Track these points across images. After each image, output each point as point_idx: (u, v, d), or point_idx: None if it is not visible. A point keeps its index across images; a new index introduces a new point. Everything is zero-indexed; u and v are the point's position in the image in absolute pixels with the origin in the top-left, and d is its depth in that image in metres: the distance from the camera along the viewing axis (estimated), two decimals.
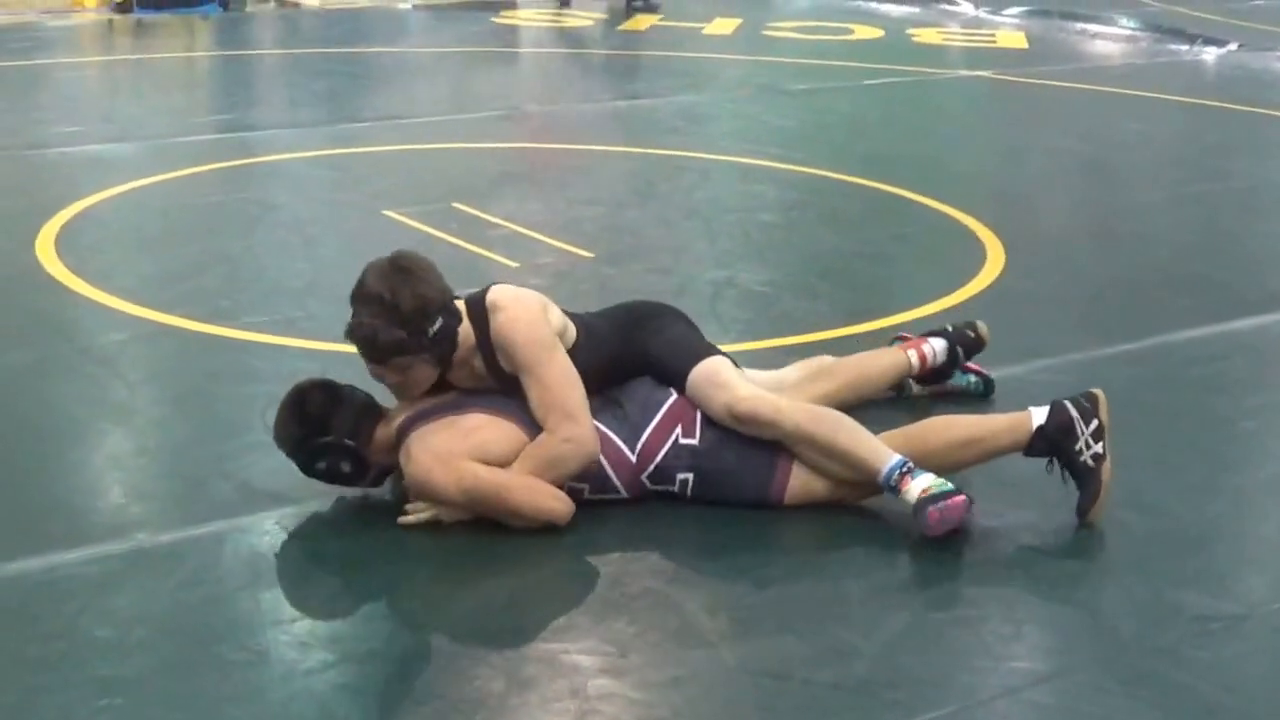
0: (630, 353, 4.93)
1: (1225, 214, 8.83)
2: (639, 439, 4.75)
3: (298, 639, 4.05)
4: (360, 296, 4.59)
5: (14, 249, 7.38)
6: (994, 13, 17.73)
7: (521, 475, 4.56)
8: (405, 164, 9.66)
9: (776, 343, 6.23)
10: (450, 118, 11.27)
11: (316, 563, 4.48)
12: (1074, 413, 4.81)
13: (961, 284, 7.07)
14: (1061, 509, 4.79)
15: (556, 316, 4.82)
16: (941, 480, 4.60)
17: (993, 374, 5.78)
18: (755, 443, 4.76)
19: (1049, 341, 6.36)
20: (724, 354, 4.97)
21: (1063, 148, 10.81)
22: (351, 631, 4.10)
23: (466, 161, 9.69)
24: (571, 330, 4.84)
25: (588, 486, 4.70)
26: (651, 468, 4.75)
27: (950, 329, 5.71)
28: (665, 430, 4.77)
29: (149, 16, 16.24)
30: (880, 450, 4.69)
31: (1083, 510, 4.69)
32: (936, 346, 5.62)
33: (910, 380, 5.64)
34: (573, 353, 4.76)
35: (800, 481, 4.76)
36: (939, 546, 4.52)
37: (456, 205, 8.25)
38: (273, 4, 18.17)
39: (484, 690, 3.79)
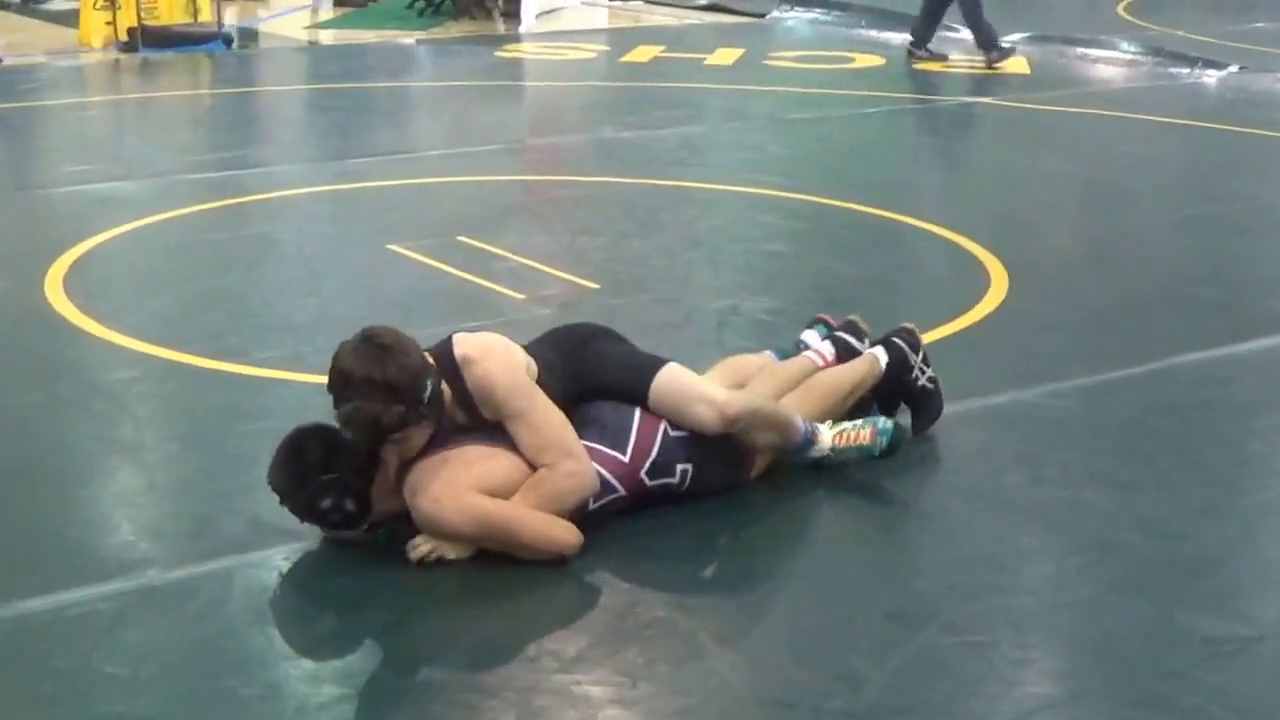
0: (582, 378, 4.95)
1: (1228, 236, 8.84)
2: (628, 441, 4.83)
3: (309, 673, 4.07)
4: (345, 383, 4.53)
5: (23, 288, 7.40)
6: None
7: (527, 508, 4.57)
8: (410, 198, 9.68)
9: None
10: (455, 151, 11.29)
11: (326, 597, 4.48)
12: (905, 346, 5.59)
13: (966, 309, 7.09)
14: (1070, 534, 4.81)
15: (522, 355, 4.83)
16: (829, 425, 5.23)
17: (999, 399, 5.82)
18: (727, 469, 5.02)
19: (1053, 366, 6.37)
20: (669, 360, 5.07)
21: (1065, 172, 10.82)
22: (362, 665, 4.10)
23: (471, 195, 9.71)
24: (533, 365, 4.85)
25: (590, 497, 4.73)
26: (649, 463, 4.82)
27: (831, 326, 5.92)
28: (651, 427, 4.86)
29: (155, 55, 16.26)
30: (795, 415, 5.15)
31: (921, 428, 5.51)
32: (826, 348, 5.74)
33: None
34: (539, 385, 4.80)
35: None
36: (949, 572, 4.53)
37: (461, 239, 8.27)
38: (278, 41, 18.23)
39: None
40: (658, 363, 5.02)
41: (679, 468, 4.86)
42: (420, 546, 4.59)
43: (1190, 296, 7.47)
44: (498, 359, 4.72)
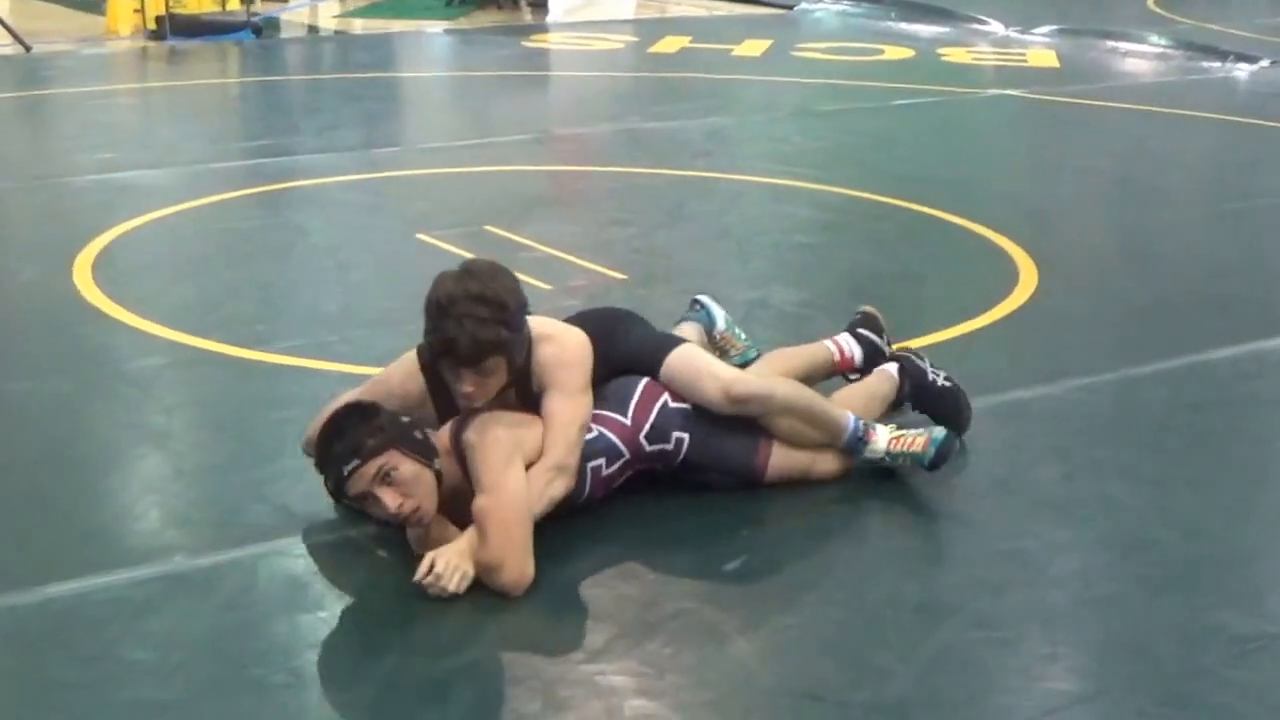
0: (607, 359, 4.94)
1: (1259, 232, 8.81)
2: (629, 405, 4.87)
3: (334, 662, 4.07)
4: (450, 302, 4.47)
5: (52, 275, 7.42)
6: (1024, 32, 17.70)
7: (524, 521, 4.44)
8: (437, 188, 9.69)
9: None
10: (481, 141, 11.29)
11: (353, 586, 4.47)
12: (912, 355, 5.61)
13: (995, 304, 7.07)
14: (1099, 529, 4.80)
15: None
16: (892, 429, 5.10)
17: (1029, 394, 5.81)
18: (739, 418, 4.96)
19: (1083, 361, 6.34)
20: (688, 341, 5.16)
21: (1095, 166, 10.79)
22: (387, 655, 4.09)
23: (498, 185, 9.71)
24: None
25: (604, 460, 4.77)
26: (648, 426, 4.86)
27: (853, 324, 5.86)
28: (650, 398, 4.91)
29: (183, 44, 16.30)
30: (842, 412, 5.09)
31: (964, 427, 5.44)
32: (847, 342, 5.72)
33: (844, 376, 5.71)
34: None
35: (780, 456, 5.01)
36: (976, 566, 4.53)
37: (489, 228, 8.27)
38: (306, 30, 18.25)
39: (521, 712, 3.80)
40: (676, 341, 5.10)
41: (675, 435, 4.89)
42: (437, 566, 4.35)
43: (1221, 292, 7.44)
44: (577, 340, 4.79)
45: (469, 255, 7.62)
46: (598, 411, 4.80)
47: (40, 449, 5.43)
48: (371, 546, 4.65)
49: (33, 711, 3.78)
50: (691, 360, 5.00)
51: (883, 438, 5.07)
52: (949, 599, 4.35)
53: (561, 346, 4.73)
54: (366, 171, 10.09)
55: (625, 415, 4.85)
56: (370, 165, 10.32)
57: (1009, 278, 7.50)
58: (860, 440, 5.06)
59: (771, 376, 5.15)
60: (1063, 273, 7.64)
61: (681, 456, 4.92)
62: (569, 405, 4.67)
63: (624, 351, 5.01)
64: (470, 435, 4.51)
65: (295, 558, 4.61)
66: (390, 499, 4.36)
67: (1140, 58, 16.16)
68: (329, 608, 4.34)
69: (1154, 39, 16.72)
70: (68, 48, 16.19)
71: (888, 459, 5.06)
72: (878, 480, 5.10)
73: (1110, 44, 16.64)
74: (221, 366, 6.26)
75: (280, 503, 4.91)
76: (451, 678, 3.97)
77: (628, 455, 4.84)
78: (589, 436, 4.73)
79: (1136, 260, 8.12)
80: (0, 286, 7.50)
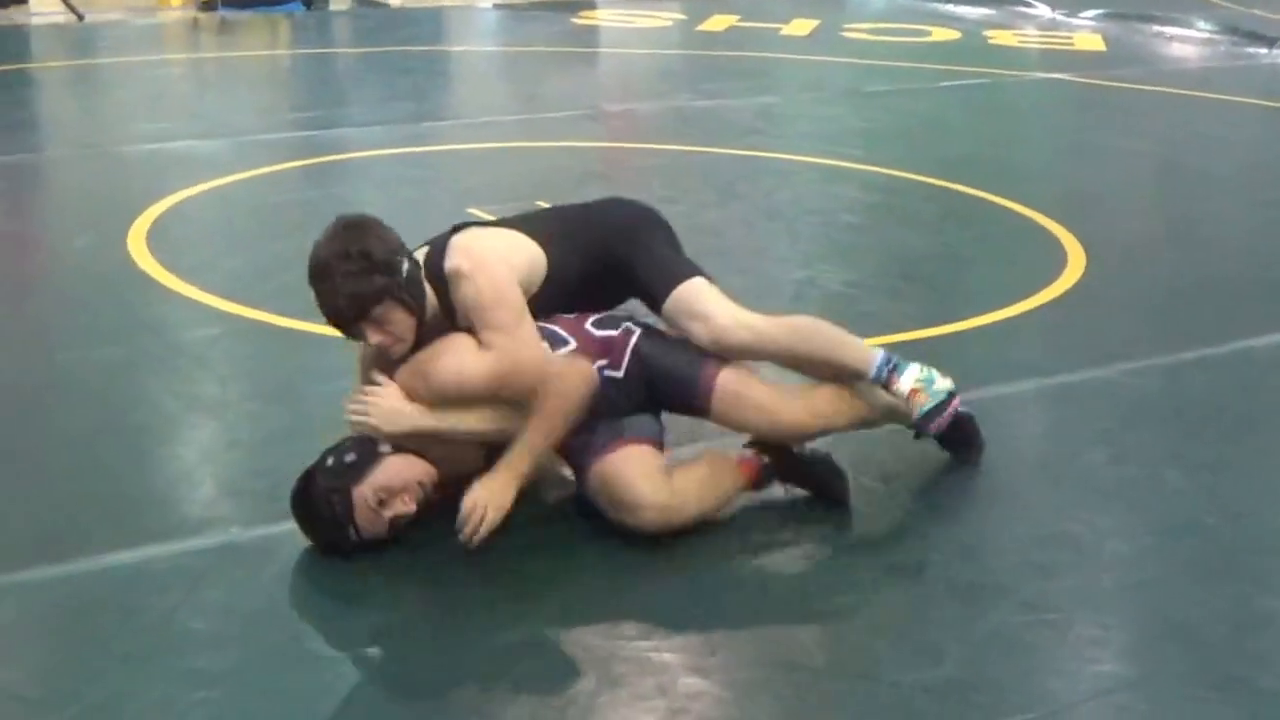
0: (607, 268, 4.84)
1: None
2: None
3: (386, 636, 4.09)
4: (324, 263, 4.47)
5: (107, 245, 7.48)
6: (1071, 15, 17.64)
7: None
8: (488, 162, 9.72)
9: None
10: (531, 116, 11.33)
11: (406, 559, 4.49)
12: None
13: (1042, 286, 7.07)
14: (1147, 513, 4.81)
15: (520, 261, 4.70)
16: (928, 373, 4.84)
17: (1076, 377, 5.82)
18: (685, 350, 4.75)
19: (1131, 345, 6.35)
20: (702, 273, 4.90)
21: (1141, 150, 10.77)
22: (440, 630, 4.12)
23: (549, 160, 9.74)
24: (541, 266, 4.75)
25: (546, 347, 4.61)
26: (594, 317, 4.74)
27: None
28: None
29: (233, 15, 16.37)
30: (863, 352, 4.84)
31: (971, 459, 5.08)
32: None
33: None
34: (539, 295, 4.71)
35: (734, 381, 4.72)
36: (1025, 549, 4.55)
37: (540, 203, 8.28)
38: (356, 2, 18.29)
39: (574, 687, 3.83)
40: (687, 272, 4.88)
41: (624, 323, 4.73)
42: (470, 511, 4.41)
43: (1268, 278, 7.43)
44: (487, 275, 4.57)
45: None
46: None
47: (97, 418, 5.49)
48: (422, 521, 4.65)
49: (91, 680, 3.81)
50: (694, 298, 4.77)
51: (906, 384, 4.83)
52: (999, 581, 4.37)
53: (477, 287, 4.53)
54: (417, 144, 10.13)
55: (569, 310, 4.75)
56: (420, 138, 10.36)
57: (1056, 261, 7.50)
58: (883, 373, 4.82)
59: (773, 320, 4.84)
60: (1110, 257, 7.64)
61: (633, 345, 4.69)
62: (507, 345, 4.49)
63: (637, 265, 4.84)
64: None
65: None
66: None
67: (1186, 42, 16.10)
68: (381, 580, 4.37)
69: (1200, 24, 16.66)
70: (120, 18, 16.27)
71: (905, 404, 4.85)
72: (925, 462, 5.09)
73: (1156, 28, 16.59)
74: (274, 337, 6.32)
75: None
76: (504, 651, 4.00)
77: (572, 344, 4.64)
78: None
79: (1182, 245, 8.12)
80: (57, 255, 7.58)
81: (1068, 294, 7.03)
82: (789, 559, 4.56)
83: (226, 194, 8.68)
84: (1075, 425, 5.56)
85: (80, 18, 15.72)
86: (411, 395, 4.50)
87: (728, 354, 4.75)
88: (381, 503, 4.40)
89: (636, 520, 4.50)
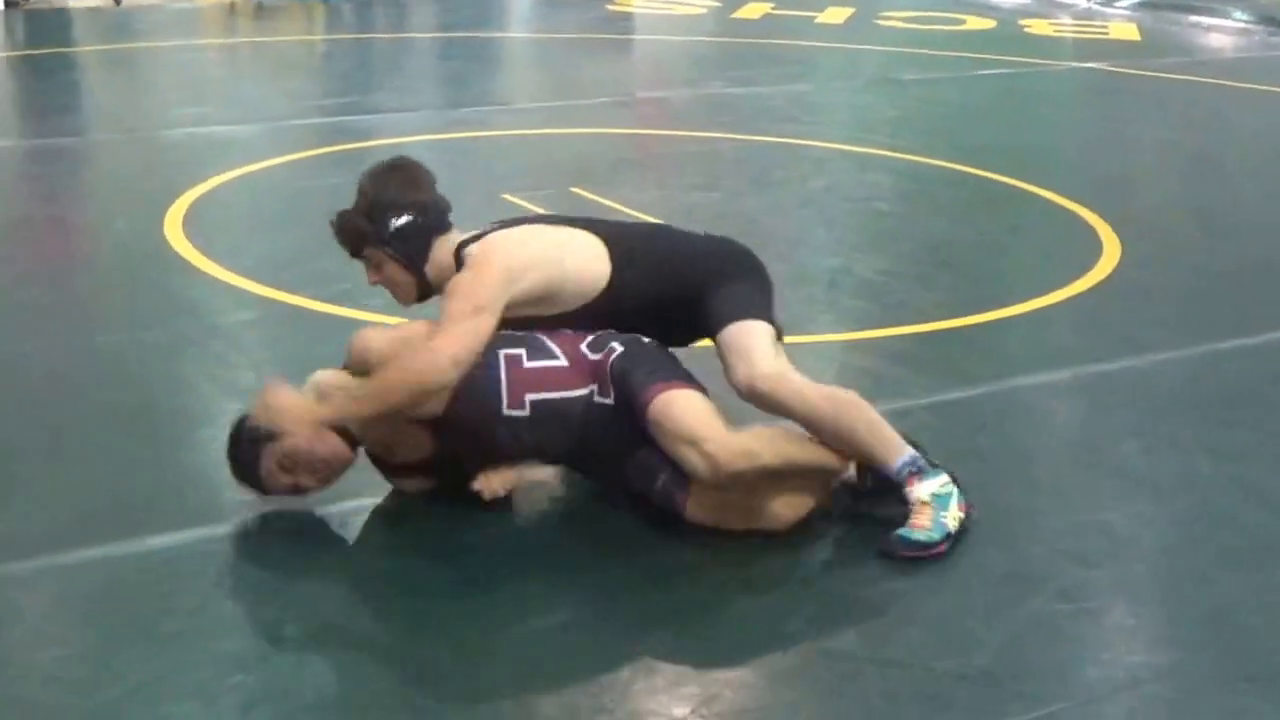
0: (682, 292, 4.72)
1: None
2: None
3: (422, 618, 4.11)
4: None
5: (144, 229, 7.52)
6: (1106, 4, 17.60)
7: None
8: (523, 148, 9.74)
9: (893, 331, 6.25)
10: (566, 103, 11.34)
11: (440, 543, 4.51)
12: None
13: (1079, 275, 7.06)
14: (1182, 503, 4.81)
15: (531, 255, 4.63)
16: (949, 490, 4.49)
17: (1112, 366, 5.81)
18: (650, 363, 4.57)
19: (1167, 334, 6.34)
20: (774, 323, 4.71)
21: (1176, 140, 10.74)
22: (473, 612, 4.13)
23: (584, 147, 9.75)
24: (578, 276, 4.67)
25: (524, 351, 4.56)
26: (589, 339, 4.61)
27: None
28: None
29: (269, 0, 16.42)
30: (894, 444, 4.52)
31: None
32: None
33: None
34: (593, 305, 4.67)
35: (662, 408, 4.44)
36: (1060, 538, 4.55)
37: (575, 190, 8.31)
38: None
39: (609, 675, 3.84)
40: (754, 313, 4.67)
41: (612, 343, 4.58)
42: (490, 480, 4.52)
43: None
44: (478, 272, 4.53)
45: None
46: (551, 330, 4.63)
47: (136, 401, 5.51)
48: (456, 507, 4.67)
49: (132, 662, 3.83)
50: (746, 336, 4.60)
51: (926, 489, 4.48)
52: (1034, 570, 4.37)
53: (463, 278, 4.51)
54: (452, 130, 10.15)
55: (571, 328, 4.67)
56: (456, 124, 10.37)
57: (1092, 250, 7.49)
58: (904, 476, 4.49)
59: (817, 388, 4.57)
60: (1146, 245, 7.63)
61: (615, 364, 4.53)
62: (430, 331, 4.48)
63: (709, 292, 4.69)
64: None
65: (385, 514, 4.66)
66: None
67: (1222, 32, 16.05)
68: (415, 565, 4.39)
69: (1236, 14, 16.61)
70: (157, 2, 16.31)
71: (910, 508, 4.48)
72: (960, 452, 5.05)
73: (1192, 18, 16.55)
74: (309, 322, 6.34)
75: (368, 460, 4.94)
76: (539, 638, 4.01)
77: (564, 361, 4.54)
78: (511, 332, 4.56)
79: (1217, 235, 8.09)
80: (95, 238, 7.62)
81: (1102, 283, 7.02)
82: (823, 548, 4.55)
83: (262, 179, 8.71)
84: (1110, 414, 5.56)
85: (117, 2, 15.78)
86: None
87: (758, 403, 4.56)
88: (285, 469, 4.49)
89: (699, 455, 4.34)
